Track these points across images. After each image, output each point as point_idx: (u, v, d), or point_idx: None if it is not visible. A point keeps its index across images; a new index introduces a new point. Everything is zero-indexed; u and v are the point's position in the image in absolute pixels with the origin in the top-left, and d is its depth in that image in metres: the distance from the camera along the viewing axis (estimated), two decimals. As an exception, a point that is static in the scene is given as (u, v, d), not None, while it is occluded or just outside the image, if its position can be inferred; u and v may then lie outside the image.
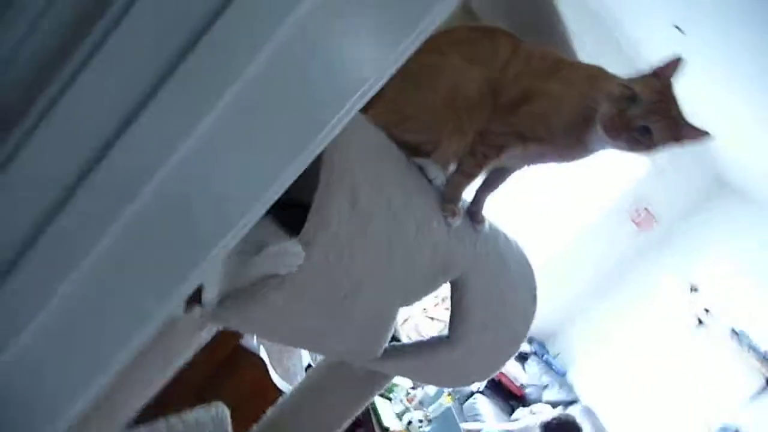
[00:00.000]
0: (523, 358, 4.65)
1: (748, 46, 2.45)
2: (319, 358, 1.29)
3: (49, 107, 0.38)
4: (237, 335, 1.40)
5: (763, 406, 3.55)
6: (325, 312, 0.75)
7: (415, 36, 0.43)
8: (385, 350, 0.91)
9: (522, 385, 4.37)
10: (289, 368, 1.54)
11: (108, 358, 0.46)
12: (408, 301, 0.84)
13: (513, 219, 4.09)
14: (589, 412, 4.10)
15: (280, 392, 1.42)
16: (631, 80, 0.82)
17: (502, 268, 1.02)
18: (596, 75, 0.89)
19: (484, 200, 0.97)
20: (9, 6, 0.38)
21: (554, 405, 3.91)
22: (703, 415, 3.66)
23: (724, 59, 2.71)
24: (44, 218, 0.40)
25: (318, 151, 0.43)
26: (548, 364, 4.62)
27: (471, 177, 0.90)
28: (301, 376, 1.61)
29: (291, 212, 0.74)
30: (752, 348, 3.58)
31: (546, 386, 4.40)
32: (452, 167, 0.93)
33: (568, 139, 0.86)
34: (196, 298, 0.66)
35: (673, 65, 0.81)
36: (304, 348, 0.90)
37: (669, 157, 4.26)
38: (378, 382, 1.17)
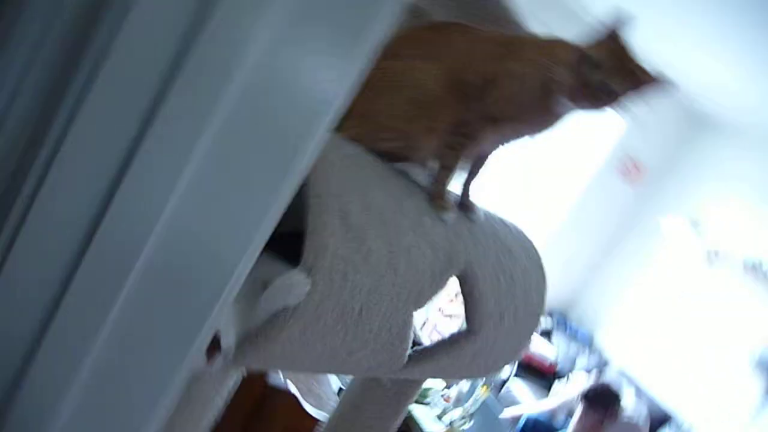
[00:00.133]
0: (547, 334, 4.66)
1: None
2: (347, 379, 1.29)
3: (31, 198, 0.39)
4: (263, 376, 1.40)
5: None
6: (343, 332, 0.76)
7: (369, 46, 0.44)
8: (410, 356, 0.92)
9: (552, 362, 4.37)
10: (321, 396, 1.54)
11: (140, 429, 0.47)
12: (420, 303, 0.85)
13: (507, 204, 4.13)
14: (623, 373, 4.11)
15: (316, 421, 1.42)
16: (585, 44, 0.84)
17: (504, 250, 1.03)
18: (552, 46, 0.91)
19: (469, 188, 0.99)
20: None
21: (588, 372, 3.91)
22: (740, 347, 3.67)
23: None
24: (44, 317, 0.40)
25: (299, 180, 0.44)
26: (573, 334, 4.63)
27: (453, 169, 0.91)
28: (334, 401, 1.61)
29: (287, 242, 0.75)
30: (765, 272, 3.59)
31: (576, 356, 4.40)
32: (433, 164, 0.95)
33: (537, 112, 0.88)
34: (215, 347, 0.67)
35: (620, 20, 0.83)
36: (331, 372, 0.90)
37: (643, 106, 4.29)
38: (410, 389, 1.17)
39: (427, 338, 1.02)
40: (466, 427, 2.62)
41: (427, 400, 2.87)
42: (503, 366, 1.14)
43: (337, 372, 0.90)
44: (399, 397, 1.18)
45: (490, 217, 1.03)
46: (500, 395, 3.95)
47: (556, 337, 4.61)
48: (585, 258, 4.92)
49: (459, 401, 2.91)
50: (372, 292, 0.76)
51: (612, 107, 0.86)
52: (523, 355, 1.11)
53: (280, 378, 1.45)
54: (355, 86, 0.44)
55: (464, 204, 0.98)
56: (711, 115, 4.48)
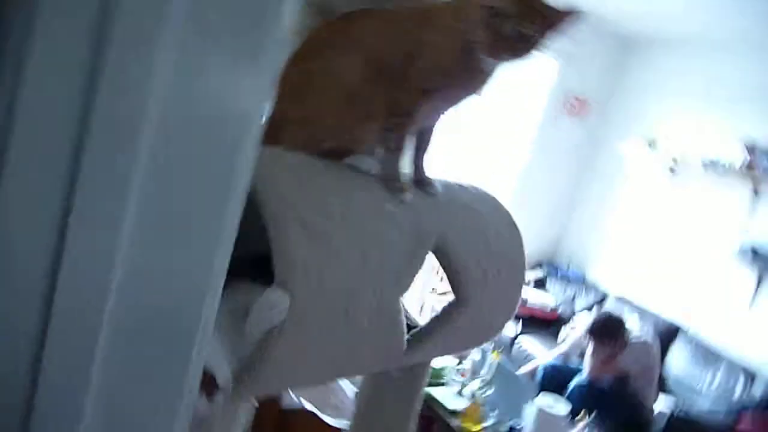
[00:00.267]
0: (541, 284, 4.73)
1: None
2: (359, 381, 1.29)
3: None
4: (276, 402, 1.40)
5: (760, 215, 3.68)
6: (335, 335, 0.76)
7: (274, 48, 0.44)
8: (408, 341, 0.93)
9: (553, 308, 4.44)
10: (338, 405, 1.54)
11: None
12: (403, 287, 0.86)
13: (465, 169, 4.15)
14: (622, 299, 4.19)
15: (339, 431, 1.42)
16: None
17: (471, 214, 1.04)
18: (460, 7, 0.91)
19: (421, 163, 0.99)
20: None
21: (589, 309, 3.99)
22: (722, 243, 3.77)
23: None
24: (27, 394, 0.40)
25: (242, 199, 0.44)
26: (566, 277, 4.70)
27: (399, 150, 0.92)
28: (352, 407, 1.60)
29: (263, 266, 0.75)
30: (726, 168, 3.70)
31: (573, 297, 4.48)
32: (380, 150, 0.95)
33: (463, 75, 0.89)
34: (214, 386, 0.67)
35: None
36: (337, 378, 0.90)
37: (569, 41, 4.36)
38: (420, 373, 1.18)
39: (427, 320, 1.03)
40: (488, 394, 2.65)
41: (444, 380, 2.89)
42: (502, 326, 1.15)
43: (343, 376, 0.90)
44: (412, 384, 1.19)
45: (448, 186, 1.04)
46: (512, 355, 4.00)
47: (551, 284, 4.68)
48: (556, 202, 4.99)
49: (475, 372, 2.94)
50: (352, 290, 0.76)
51: (535, 51, 0.88)
52: (517, 310, 1.12)
53: (294, 400, 1.45)
54: (271, 92, 0.44)
55: (420, 180, 0.98)
56: (641, 34, 4.58)
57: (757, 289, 3.59)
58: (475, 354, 3.07)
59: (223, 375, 0.67)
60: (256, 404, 1.12)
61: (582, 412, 2.67)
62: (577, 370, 3.36)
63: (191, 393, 0.46)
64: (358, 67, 0.89)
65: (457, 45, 0.86)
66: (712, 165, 3.76)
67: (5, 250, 0.35)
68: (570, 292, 4.53)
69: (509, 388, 2.73)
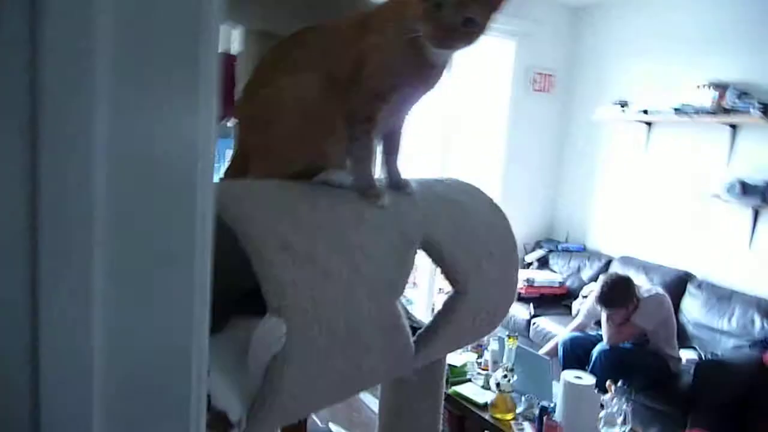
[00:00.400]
0: (544, 263, 4.73)
1: None
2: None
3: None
4: (300, 429, 1.39)
5: (740, 149, 3.70)
6: (339, 351, 0.76)
7: (210, 74, 0.44)
8: (416, 343, 0.92)
9: (561, 282, 4.44)
10: (364, 421, 1.53)
11: None
12: (398, 290, 0.86)
13: (445, 165, 4.14)
14: (626, 260, 4.20)
15: (372, 446, 1.41)
16: None
17: (452, 205, 1.04)
18: (396, 6, 0.92)
19: (395, 166, 1.00)
20: None
21: (596, 278, 3.99)
22: (711, 185, 3.79)
23: None
24: None
25: (210, 236, 0.44)
26: (567, 251, 4.71)
27: (367, 158, 0.92)
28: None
29: (253, 298, 0.74)
30: (699, 110, 3.73)
31: (579, 268, 4.49)
32: (349, 162, 0.95)
33: (415, 71, 0.89)
34: (227, 423, 0.66)
35: None
36: (352, 393, 0.90)
37: (522, 21, 4.43)
38: (436, 372, 1.18)
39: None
40: (513, 381, 2.64)
41: (468, 375, 2.88)
42: (506, 310, 1.15)
43: (357, 390, 0.90)
44: (430, 385, 1.18)
45: (424, 183, 1.05)
46: (531, 338, 4.00)
47: (554, 261, 4.69)
48: (542, 181, 5.01)
49: (496, 362, 2.93)
50: (347, 302, 0.76)
51: (481, 34, 0.88)
52: (517, 291, 1.12)
53: (319, 425, 1.44)
54: (216, 122, 0.44)
55: (395, 183, 0.98)
56: (590, 1, 4.63)
57: (754, 227, 3.61)
58: (493, 344, 3.06)
59: (235, 413, 0.66)
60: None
61: (609, 381, 2.67)
62: (597, 339, 3.36)
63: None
64: (315, 84, 0.90)
65: (400, 42, 0.87)
66: (684, 111, 3.78)
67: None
68: (574, 263, 4.54)
69: (533, 371, 2.72)
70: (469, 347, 3.06)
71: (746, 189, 3.53)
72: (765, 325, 3.30)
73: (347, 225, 0.83)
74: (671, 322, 3.31)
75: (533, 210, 4.96)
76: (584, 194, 4.84)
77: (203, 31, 0.43)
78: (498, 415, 2.51)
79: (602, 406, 2.52)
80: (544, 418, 2.35)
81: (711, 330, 3.53)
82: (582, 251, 4.68)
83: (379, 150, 1.01)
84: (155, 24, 0.41)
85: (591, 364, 3.21)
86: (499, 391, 2.61)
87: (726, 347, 3.40)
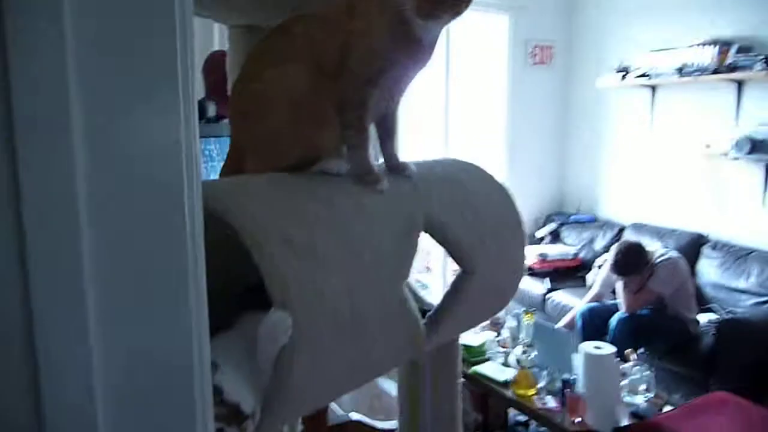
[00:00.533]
0: (557, 236, 4.70)
1: None
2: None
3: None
4: (323, 422, 1.40)
5: (746, 105, 3.65)
6: (348, 338, 0.76)
7: (185, 66, 0.43)
8: (426, 325, 0.92)
9: (574, 254, 4.42)
10: (386, 407, 1.54)
11: None
12: (403, 274, 0.85)
13: (451, 146, 4.11)
14: (638, 227, 4.17)
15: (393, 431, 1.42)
16: None
17: (453, 185, 1.03)
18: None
19: (392, 150, 0.99)
20: None
21: (609, 247, 3.96)
22: (720, 145, 3.74)
23: None
24: None
25: (201, 235, 0.44)
26: (578, 222, 4.68)
27: (362, 144, 0.91)
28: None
29: (258, 293, 0.74)
30: (702, 69, 3.67)
31: (591, 239, 4.46)
32: (345, 149, 0.95)
33: (404, 49, 0.88)
34: (240, 414, 0.66)
35: None
36: (366, 380, 0.90)
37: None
38: (451, 351, 1.17)
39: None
40: (533, 356, 2.64)
41: (487, 355, 2.89)
42: (515, 286, 1.14)
43: (369, 377, 0.90)
44: (446, 366, 1.18)
45: (424, 165, 1.04)
46: (548, 312, 3.98)
47: (566, 234, 4.66)
48: (548, 155, 4.97)
49: (514, 339, 2.93)
50: (351, 290, 0.76)
51: (469, 4, 0.86)
52: (526, 266, 1.11)
53: (340, 413, 1.44)
54: (195, 120, 0.44)
55: (393, 167, 0.98)
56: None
57: (766, 183, 3.56)
58: (510, 322, 3.06)
59: (248, 406, 0.67)
60: (303, 425, 1.12)
61: (629, 349, 2.66)
62: (614, 308, 3.34)
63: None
64: (303, 74, 0.89)
65: (387, 22, 0.86)
66: (687, 71, 3.73)
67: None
68: (586, 235, 4.51)
69: (552, 345, 2.71)
70: (487, 326, 3.05)
71: (756, 145, 3.47)
72: (783, 280, 3.27)
73: (347, 213, 0.83)
74: (688, 285, 3.29)
75: (542, 184, 4.92)
76: (592, 164, 4.80)
77: (179, 27, 0.43)
78: (520, 391, 2.51)
79: (624, 374, 2.51)
80: (567, 390, 2.35)
81: (729, 290, 3.50)
82: (593, 222, 4.64)
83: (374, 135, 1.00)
84: (132, 22, 0.41)
85: (610, 333, 3.19)
86: (520, 367, 2.61)
87: (745, 306, 3.37)
